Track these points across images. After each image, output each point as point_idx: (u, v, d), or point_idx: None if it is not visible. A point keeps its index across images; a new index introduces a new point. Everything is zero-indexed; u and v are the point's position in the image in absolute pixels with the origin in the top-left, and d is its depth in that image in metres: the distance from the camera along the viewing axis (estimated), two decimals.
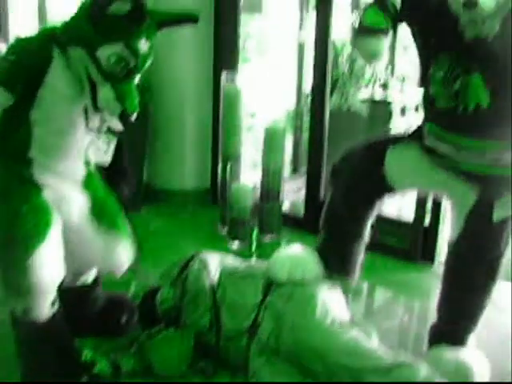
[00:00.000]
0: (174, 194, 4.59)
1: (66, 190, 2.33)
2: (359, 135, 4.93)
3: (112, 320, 2.70)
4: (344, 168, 2.60)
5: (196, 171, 4.65)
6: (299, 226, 4.14)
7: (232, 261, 2.82)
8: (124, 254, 2.54)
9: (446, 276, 2.54)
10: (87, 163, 2.43)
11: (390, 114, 5.45)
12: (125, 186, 2.72)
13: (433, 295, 2.96)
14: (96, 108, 2.18)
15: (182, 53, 4.51)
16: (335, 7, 4.03)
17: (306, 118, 5.02)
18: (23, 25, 5.63)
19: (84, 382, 2.38)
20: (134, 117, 2.15)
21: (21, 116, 2.17)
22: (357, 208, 2.58)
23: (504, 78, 2.14)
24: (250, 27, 5.93)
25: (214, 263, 2.68)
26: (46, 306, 2.24)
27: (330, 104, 4.27)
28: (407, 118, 5.54)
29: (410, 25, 2.34)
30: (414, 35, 2.37)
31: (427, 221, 3.72)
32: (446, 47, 2.21)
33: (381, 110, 5.50)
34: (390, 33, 2.30)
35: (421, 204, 3.68)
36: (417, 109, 5.22)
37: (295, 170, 5.54)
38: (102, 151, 2.50)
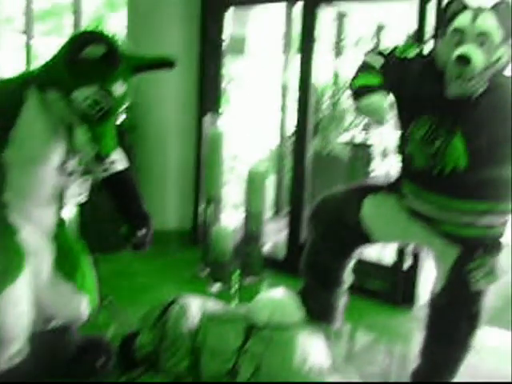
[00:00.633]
0: (156, 234, 4.56)
1: (37, 238, 2.32)
2: (340, 178, 4.98)
3: (87, 363, 2.64)
4: (321, 215, 2.61)
5: (178, 212, 4.66)
6: (281, 267, 4.14)
7: (213, 304, 2.80)
8: (82, 305, 2.51)
9: (428, 327, 2.54)
10: (61, 208, 2.42)
11: (370, 157, 5.51)
12: (145, 230, 2.67)
13: (413, 339, 2.96)
14: (72, 150, 2.18)
15: (166, 95, 4.57)
16: (318, 51, 4.12)
17: (289, 160, 5.06)
18: (9, 64, 5.68)
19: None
20: (109, 158, 2.16)
21: None
22: (335, 257, 2.59)
23: (485, 140, 2.16)
24: (233, 69, 6.00)
25: (195, 307, 2.66)
26: (9, 353, 2.19)
27: (311, 147, 4.32)
28: (388, 161, 5.60)
29: (391, 90, 2.39)
30: (394, 96, 2.41)
31: (408, 264, 3.74)
32: (428, 108, 2.24)
33: (361, 152, 5.56)
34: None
35: (401, 247, 3.70)
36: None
37: (277, 211, 5.55)
38: (77, 193, 2.49)
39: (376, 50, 2.47)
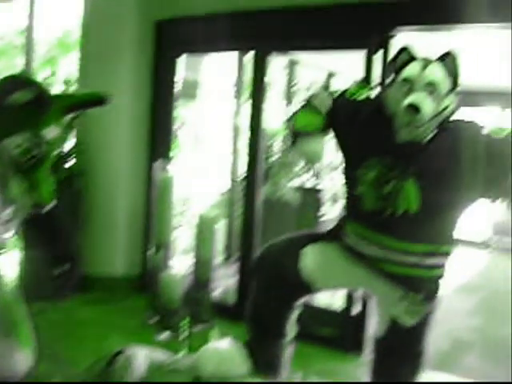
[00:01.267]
0: (104, 280, 4.50)
1: None
2: (291, 223, 5.01)
3: None
4: (263, 266, 2.61)
5: (126, 258, 4.60)
6: (231, 314, 4.10)
7: (159, 355, 2.76)
8: (20, 362, 2.42)
9: (373, 371, 2.55)
10: None
11: (320, 202, 5.57)
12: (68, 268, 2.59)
13: None
14: (8, 199, 2.13)
15: (117, 139, 4.57)
16: (269, 97, 4.19)
17: (239, 205, 5.08)
18: None
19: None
20: (47, 207, 2.11)
21: None
22: (278, 308, 2.58)
23: (436, 183, 2.21)
24: (185, 114, 6.04)
25: (141, 358, 2.62)
26: None
27: (262, 192, 4.35)
28: (338, 206, 5.68)
29: (339, 130, 2.44)
30: (338, 138, 2.45)
31: (357, 310, 3.75)
32: (378, 151, 2.27)
33: (312, 197, 5.62)
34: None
35: (350, 293, 3.72)
36: None
37: (228, 257, 5.53)
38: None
39: (326, 90, 2.51)
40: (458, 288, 5.38)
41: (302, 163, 5.60)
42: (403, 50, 2.27)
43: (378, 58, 3.63)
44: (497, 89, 7.82)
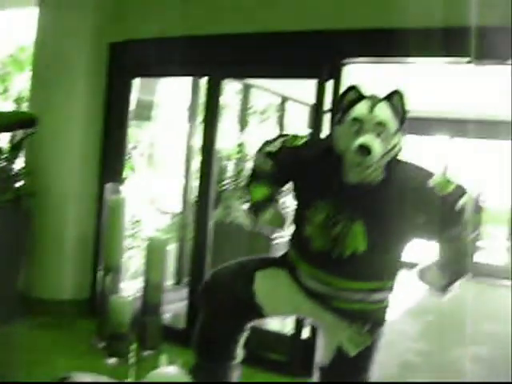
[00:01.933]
0: (52, 304, 4.41)
1: None
2: (243, 246, 5.01)
3: None
4: (214, 290, 2.60)
5: (75, 281, 4.53)
6: (181, 338, 4.06)
7: (105, 381, 2.72)
8: None
9: None
10: None
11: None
12: None
13: None
14: None
15: (68, 161, 4.51)
16: (222, 121, 4.22)
17: (191, 228, 5.06)
18: None
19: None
20: None
21: None
22: (228, 332, 2.58)
23: (384, 225, 2.27)
24: (139, 135, 6.02)
25: None
26: None
27: (214, 215, 4.35)
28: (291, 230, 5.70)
29: (288, 178, 2.49)
30: (291, 181, 2.49)
31: (306, 334, 3.77)
32: (327, 194, 2.31)
33: None
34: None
35: (299, 318, 3.73)
36: None
37: (179, 280, 5.49)
38: None
39: (264, 150, 2.53)
40: (405, 312, 5.47)
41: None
42: (351, 88, 2.31)
43: (330, 85, 3.69)
44: (445, 117, 8.07)
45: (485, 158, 10.00)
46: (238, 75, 4.57)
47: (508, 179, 8.54)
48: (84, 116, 4.53)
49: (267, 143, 2.54)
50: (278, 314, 2.70)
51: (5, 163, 4.17)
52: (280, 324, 4.27)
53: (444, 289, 2.47)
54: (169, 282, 4.92)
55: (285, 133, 2.61)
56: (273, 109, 7.22)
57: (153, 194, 6.04)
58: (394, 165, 2.28)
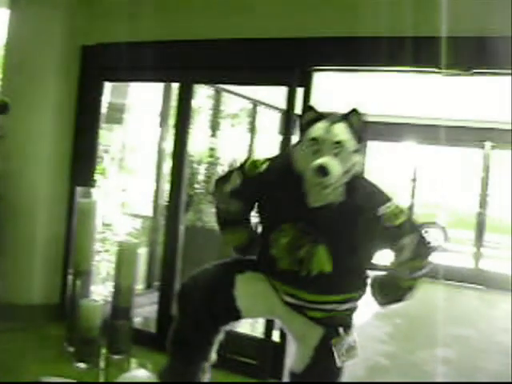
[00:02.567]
0: (21, 309, 4.36)
1: None
2: (214, 251, 5.03)
3: None
4: (192, 294, 2.60)
5: (45, 285, 4.48)
6: (151, 342, 4.06)
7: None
8: None
9: None
10: None
11: None
12: None
13: None
14: None
15: (37, 164, 4.47)
16: (193, 125, 4.22)
17: (162, 232, 5.06)
18: None
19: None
20: None
21: None
22: (206, 334, 2.59)
23: (347, 246, 2.32)
24: (110, 138, 6.00)
25: None
26: None
27: (185, 220, 4.36)
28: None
29: (252, 205, 2.53)
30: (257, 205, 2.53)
31: (276, 338, 3.78)
32: (290, 217, 2.34)
33: None
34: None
35: (270, 321, 3.76)
36: None
37: (149, 284, 5.47)
38: None
39: (225, 190, 2.53)
40: (374, 315, 5.53)
41: None
42: (309, 108, 2.35)
43: (300, 91, 3.73)
44: (414, 122, 8.17)
45: (453, 164, 10.18)
46: (210, 81, 4.58)
47: (476, 184, 8.71)
48: (55, 118, 4.50)
49: (223, 181, 2.53)
50: (253, 316, 2.74)
51: None
52: (250, 327, 4.30)
53: (382, 305, 2.56)
54: (139, 285, 4.90)
55: (234, 163, 2.64)
56: (244, 113, 7.25)
57: (124, 197, 6.02)
58: (353, 185, 2.31)
